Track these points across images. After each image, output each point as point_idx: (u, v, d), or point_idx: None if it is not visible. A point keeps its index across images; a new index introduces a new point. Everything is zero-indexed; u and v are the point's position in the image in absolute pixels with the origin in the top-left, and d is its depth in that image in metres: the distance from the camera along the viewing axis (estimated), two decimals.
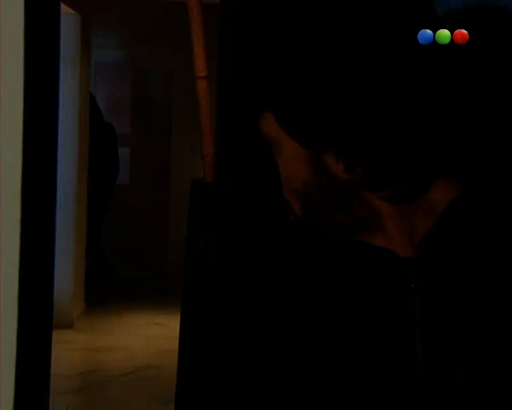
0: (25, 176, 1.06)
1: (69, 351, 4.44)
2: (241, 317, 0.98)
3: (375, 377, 0.73)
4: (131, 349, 4.44)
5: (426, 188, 0.72)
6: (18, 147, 1.08)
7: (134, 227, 6.42)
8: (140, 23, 6.20)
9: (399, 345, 0.73)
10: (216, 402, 1.13)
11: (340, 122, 0.68)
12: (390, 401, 0.72)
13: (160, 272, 6.41)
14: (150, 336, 4.71)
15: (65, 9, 4.50)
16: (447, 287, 0.72)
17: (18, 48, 1.07)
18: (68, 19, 4.62)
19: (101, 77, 6.40)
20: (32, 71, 1.08)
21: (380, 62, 0.67)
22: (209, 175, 2.32)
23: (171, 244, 6.40)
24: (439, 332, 0.72)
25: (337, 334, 0.75)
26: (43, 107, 1.11)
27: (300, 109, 0.69)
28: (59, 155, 1.25)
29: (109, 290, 5.92)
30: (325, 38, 0.68)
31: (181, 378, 2.23)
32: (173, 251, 6.36)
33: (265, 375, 0.80)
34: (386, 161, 0.69)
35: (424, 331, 0.72)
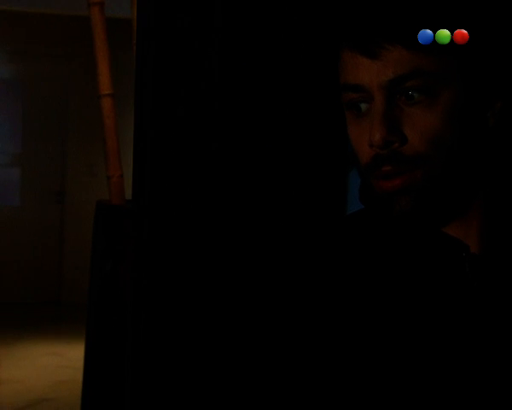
0: None
1: None
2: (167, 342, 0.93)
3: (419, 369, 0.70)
4: (25, 382, 4.21)
5: None
6: None
7: (25, 251, 6.15)
8: (31, 38, 5.98)
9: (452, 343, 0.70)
10: None
11: None
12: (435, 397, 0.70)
13: (53, 298, 6.16)
14: (45, 367, 4.48)
15: None
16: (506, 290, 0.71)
17: None
18: None
19: None
20: None
21: None
22: (116, 197, 2.25)
23: (66, 269, 6.16)
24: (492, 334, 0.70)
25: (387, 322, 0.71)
26: None
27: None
28: None
29: None
30: None
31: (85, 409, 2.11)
32: (68, 276, 6.13)
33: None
34: None
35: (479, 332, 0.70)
